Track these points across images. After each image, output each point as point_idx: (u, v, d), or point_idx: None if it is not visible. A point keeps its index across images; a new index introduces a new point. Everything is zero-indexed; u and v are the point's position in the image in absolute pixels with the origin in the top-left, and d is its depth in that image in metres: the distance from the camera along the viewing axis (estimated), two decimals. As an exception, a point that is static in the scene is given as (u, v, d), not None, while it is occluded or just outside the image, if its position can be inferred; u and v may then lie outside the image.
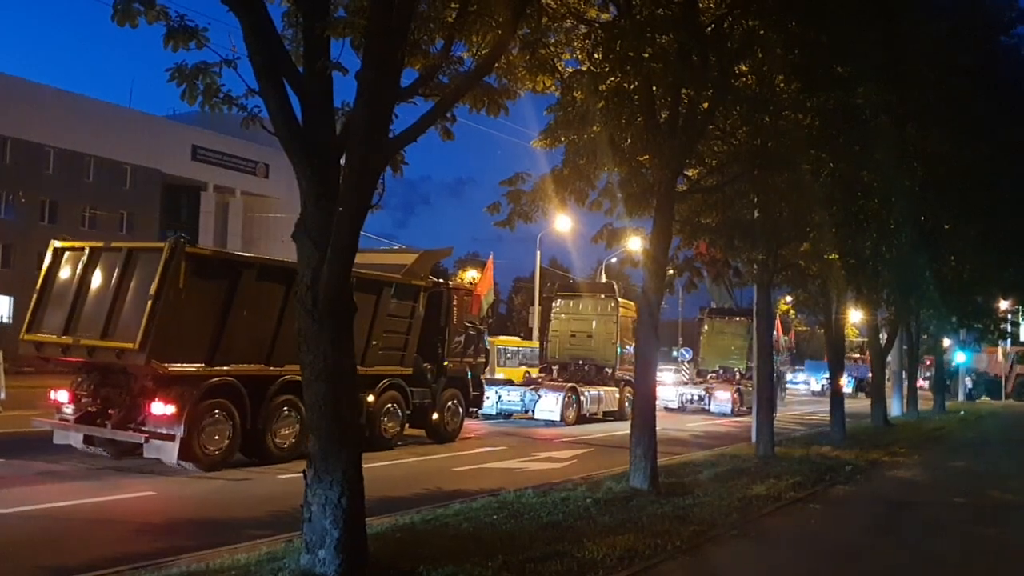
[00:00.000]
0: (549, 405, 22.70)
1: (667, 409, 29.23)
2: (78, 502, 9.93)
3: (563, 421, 22.59)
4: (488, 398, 21.93)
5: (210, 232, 51.73)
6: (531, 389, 23.40)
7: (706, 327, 35.43)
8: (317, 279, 6.33)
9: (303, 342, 6.51)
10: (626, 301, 25.63)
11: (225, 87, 6.54)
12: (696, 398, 30.48)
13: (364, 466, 6.59)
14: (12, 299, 43.95)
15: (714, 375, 33.11)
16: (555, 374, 26.17)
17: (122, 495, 10.48)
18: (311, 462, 6.40)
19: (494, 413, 22.83)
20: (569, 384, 23.77)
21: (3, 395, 19.02)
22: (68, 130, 44.33)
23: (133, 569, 6.83)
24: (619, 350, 25.48)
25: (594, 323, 26.43)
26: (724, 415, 28.93)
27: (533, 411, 22.83)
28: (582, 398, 23.66)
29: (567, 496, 10.20)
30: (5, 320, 43.78)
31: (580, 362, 26.13)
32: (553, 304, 27.35)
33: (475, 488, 11.62)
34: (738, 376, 31.87)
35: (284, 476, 12.02)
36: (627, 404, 23.48)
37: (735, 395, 29.52)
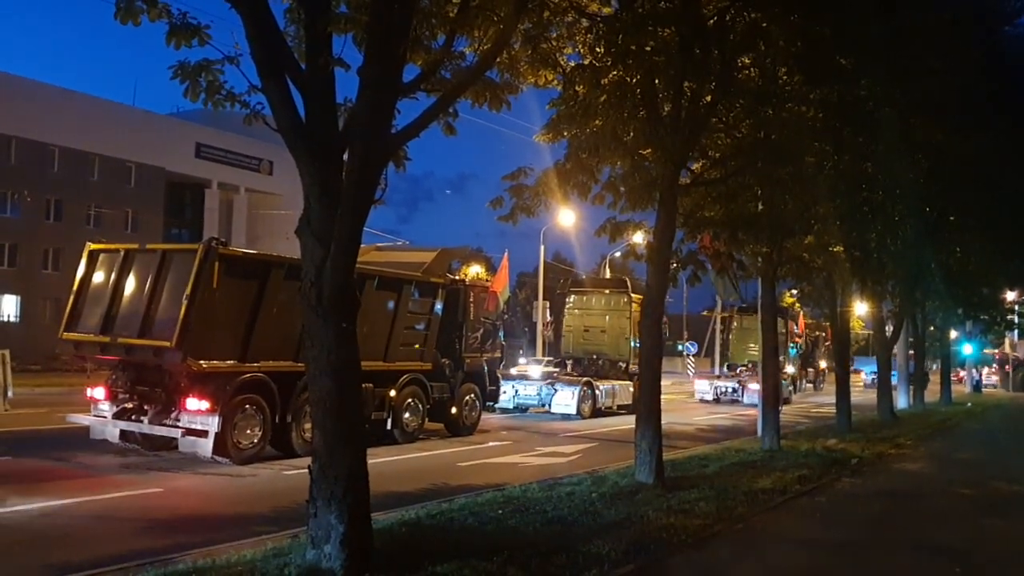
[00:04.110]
0: (565, 399, 23.15)
1: (702, 400, 32.25)
2: (84, 499, 9.97)
3: (579, 415, 23.03)
4: (505, 392, 22.75)
5: (214, 230, 51.63)
6: (547, 383, 23.89)
7: (735, 324, 37.40)
8: (321, 275, 6.34)
9: (307, 338, 6.53)
10: (639, 296, 25.84)
11: (228, 84, 6.56)
12: (730, 390, 32.34)
13: (369, 461, 6.61)
14: (19, 298, 44.10)
15: (743, 368, 34.56)
16: (569, 368, 26.64)
17: (128, 492, 10.53)
18: (316, 457, 6.43)
19: (511, 407, 23.43)
20: (584, 378, 24.27)
21: (11, 393, 19.13)
22: (72, 129, 44.38)
23: (139, 565, 6.85)
24: (632, 344, 25.68)
25: (607, 318, 26.88)
26: (756, 406, 29.43)
27: (550, 405, 23.33)
28: (597, 392, 24.12)
29: (572, 490, 10.22)
30: (12, 319, 43.92)
31: (594, 356, 26.62)
32: (566, 300, 28.04)
33: (480, 483, 11.65)
34: None
35: (289, 472, 12.07)
36: None
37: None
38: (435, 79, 7.33)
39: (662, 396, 11.48)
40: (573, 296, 27.88)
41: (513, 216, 11.78)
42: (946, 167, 18.74)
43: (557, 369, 27.34)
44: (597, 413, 23.76)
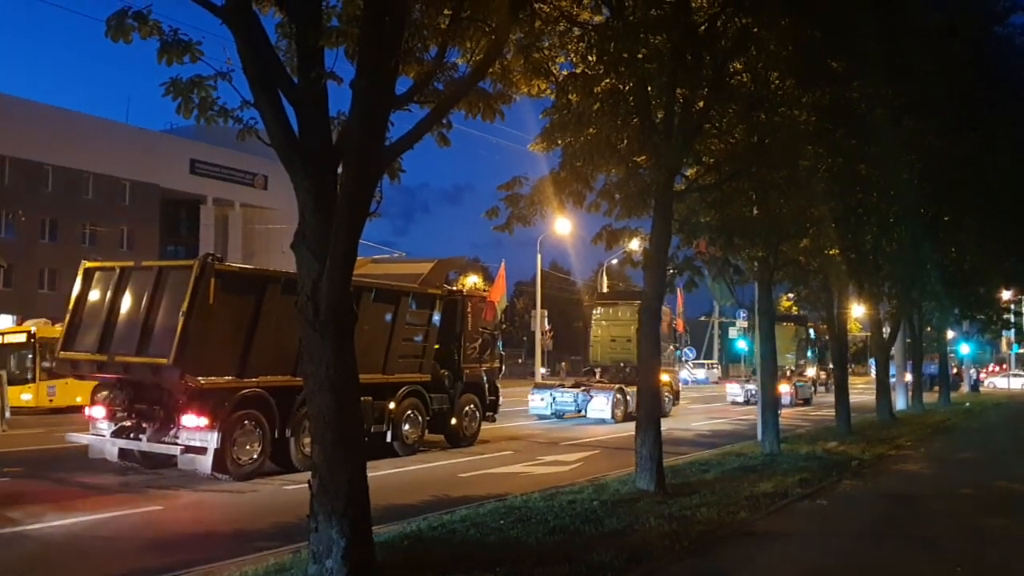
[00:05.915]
0: (600, 405, 24.66)
1: (734, 403, 34.43)
2: (84, 518, 9.92)
3: (613, 419, 24.28)
4: (543, 399, 25.41)
5: (210, 245, 51.68)
6: (582, 391, 25.46)
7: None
8: (317, 289, 6.32)
9: (305, 352, 6.51)
10: (666, 308, 26.33)
11: (220, 100, 6.55)
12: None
13: (370, 474, 6.59)
14: (15, 318, 43.99)
15: None
16: (598, 376, 27.68)
17: (128, 510, 10.47)
18: (316, 472, 6.40)
19: (548, 413, 25.24)
20: (616, 385, 25.40)
21: (8, 415, 19.09)
22: (66, 148, 44.40)
23: (141, 584, 6.83)
24: None
25: (632, 328, 27.16)
26: (783, 406, 30.13)
27: (586, 410, 24.83)
28: (628, 397, 24.93)
29: (573, 499, 10.18)
30: (8, 339, 43.75)
31: (621, 364, 27.49)
32: (593, 312, 29.86)
33: (481, 493, 11.61)
34: (789, 373, 35.72)
35: (289, 487, 12.03)
36: (666, 401, 25.59)
37: (792, 389, 34.00)
38: (428, 91, 7.33)
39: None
40: (600, 308, 29.45)
41: (509, 226, 11.80)
42: (939, 167, 18.80)
43: (587, 377, 28.48)
44: (628, 417, 24.28)
